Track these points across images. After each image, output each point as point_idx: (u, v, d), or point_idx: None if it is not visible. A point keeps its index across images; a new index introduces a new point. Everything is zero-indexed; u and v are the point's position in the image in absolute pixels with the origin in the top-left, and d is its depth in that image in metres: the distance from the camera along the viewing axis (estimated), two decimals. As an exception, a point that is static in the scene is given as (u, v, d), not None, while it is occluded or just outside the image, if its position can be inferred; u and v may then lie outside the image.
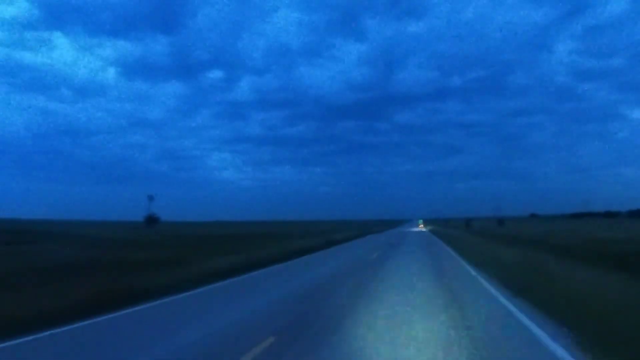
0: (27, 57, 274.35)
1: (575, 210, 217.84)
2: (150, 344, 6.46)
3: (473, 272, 15.56)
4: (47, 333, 7.01)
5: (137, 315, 8.75)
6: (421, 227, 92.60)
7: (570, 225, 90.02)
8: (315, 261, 21.41)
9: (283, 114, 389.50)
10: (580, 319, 7.20)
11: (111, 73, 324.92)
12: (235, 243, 32.58)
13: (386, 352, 5.85)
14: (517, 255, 19.09)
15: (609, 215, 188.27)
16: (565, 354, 5.75)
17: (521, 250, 22.78)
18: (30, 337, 6.73)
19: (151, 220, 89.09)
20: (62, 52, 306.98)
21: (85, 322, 7.87)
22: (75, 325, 7.62)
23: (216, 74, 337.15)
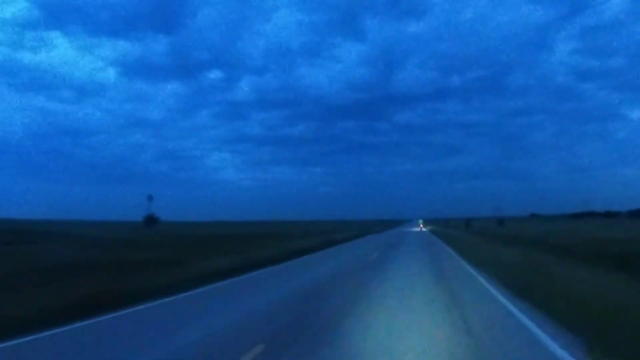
0: (27, 57, 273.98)
1: (575, 210, 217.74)
2: (128, 355, 6.07)
3: (473, 273, 15.51)
4: (41, 335, 6.92)
5: (126, 318, 8.57)
6: (421, 227, 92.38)
7: (570, 225, 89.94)
8: (315, 262, 21.35)
9: (283, 114, 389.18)
10: (580, 319, 7.17)
11: (111, 73, 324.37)
12: (235, 243, 32.47)
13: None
14: (517, 256, 19.09)
15: (609, 215, 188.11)
16: (565, 355, 5.72)
17: (521, 250, 22.76)
18: (21, 340, 6.63)
19: (150, 220, 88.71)
20: (61, 52, 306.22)
21: (75, 325, 7.66)
22: (66, 327, 7.48)
23: (216, 74, 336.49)
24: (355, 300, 9.93)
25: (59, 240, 38.12)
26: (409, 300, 10.05)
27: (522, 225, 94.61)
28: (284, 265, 19.15)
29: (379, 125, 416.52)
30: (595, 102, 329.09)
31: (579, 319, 7.19)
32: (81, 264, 16.84)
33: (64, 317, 7.82)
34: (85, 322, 7.86)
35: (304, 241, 34.92)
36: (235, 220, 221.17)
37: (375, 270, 16.17)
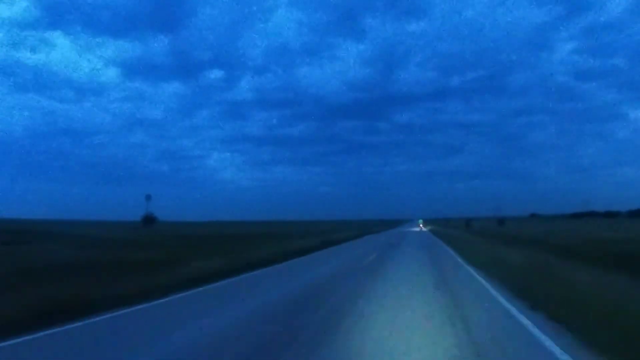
0: (27, 57, 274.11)
1: (575, 210, 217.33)
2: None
3: (477, 276, 14.71)
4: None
5: (65, 335, 7.24)
6: (421, 227, 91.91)
7: (571, 225, 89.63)
8: (310, 263, 20.53)
9: (283, 113, 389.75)
10: (602, 332, 6.42)
11: (111, 73, 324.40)
12: (231, 243, 31.75)
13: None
14: (521, 257, 18.46)
15: (609, 215, 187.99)
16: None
17: (524, 251, 22.14)
18: None
19: (148, 220, 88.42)
20: (62, 52, 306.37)
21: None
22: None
23: (216, 74, 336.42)
24: (346, 313, 8.96)
25: (57, 240, 37.80)
26: (407, 316, 9.10)
27: (523, 225, 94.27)
28: (277, 267, 18.33)
29: (379, 125, 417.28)
30: (596, 102, 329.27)
31: (601, 333, 6.40)
32: (70, 265, 16.34)
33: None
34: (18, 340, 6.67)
35: (302, 241, 34.14)
36: (235, 220, 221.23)
37: (372, 274, 15.29)
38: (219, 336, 7.12)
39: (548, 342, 6.48)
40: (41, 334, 7.08)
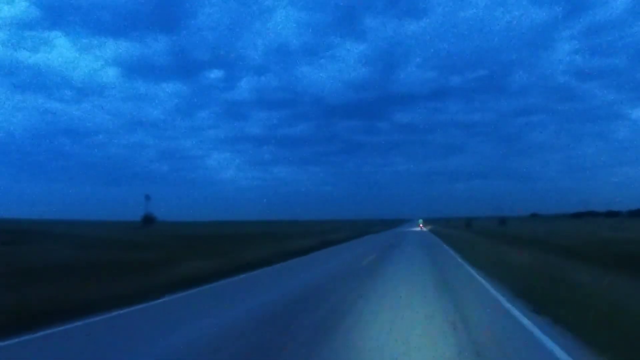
0: (27, 56, 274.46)
1: (576, 209, 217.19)
2: None
3: (479, 278, 14.17)
4: None
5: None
6: (421, 227, 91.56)
7: (573, 225, 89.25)
8: (305, 265, 19.99)
9: (283, 113, 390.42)
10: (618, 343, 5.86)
11: (111, 73, 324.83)
12: (228, 243, 31.18)
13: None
14: (524, 258, 18.09)
15: (610, 215, 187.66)
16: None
17: (527, 251, 21.81)
18: None
19: (148, 220, 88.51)
20: (62, 51, 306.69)
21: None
22: None
23: (216, 74, 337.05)
24: (345, 313, 8.48)
25: (56, 240, 37.35)
26: (404, 325, 8.58)
27: (524, 225, 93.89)
28: (270, 268, 17.75)
29: (379, 124, 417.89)
30: (596, 101, 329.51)
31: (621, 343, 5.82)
32: (66, 265, 15.96)
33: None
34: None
35: (302, 241, 33.66)
36: (235, 220, 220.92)
37: (369, 277, 14.75)
38: (207, 342, 6.58)
39: (557, 351, 5.99)
40: (23, 338, 6.71)
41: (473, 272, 16.01)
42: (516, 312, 8.69)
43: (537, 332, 7.09)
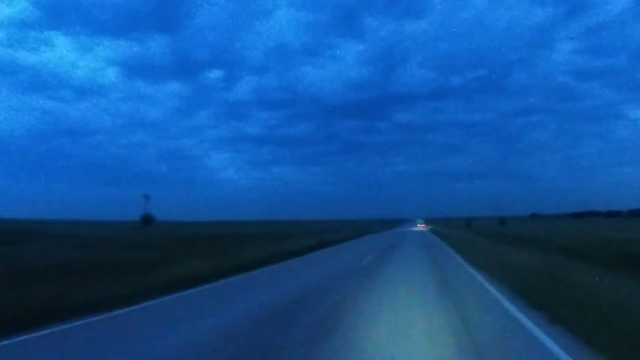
0: (27, 57, 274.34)
1: (576, 209, 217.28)
2: None
3: (482, 281, 14.08)
4: None
5: None
6: (421, 227, 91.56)
7: (574, 224, 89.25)
8: (303, 265, 19.92)
9: (283, 113, 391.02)
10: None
11: (111, 73, 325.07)
12: (225, 244, 31.04)
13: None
14: (527, 258, 17.98)
15: (610, 214, 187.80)
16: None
17: (529, 251, 21.70)
18: None
19: (147, 220, 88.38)
20: (62, 52, 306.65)
21: None
22: None
23: (216, 74, 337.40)
24: (344, 314, 8.45)
25: (55, 240, 37.32)
26: (405, 311, 8.59)
27: (524, 225, 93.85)
28: (270, 268, 17.69)
29: (379, 124, 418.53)
30: (596, 101, 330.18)
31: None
32: (62, 265, 15.84)
33: None
34: None
35: (300, 241, 33.47)
36: (235, 220, 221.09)
37: (369, 277, 14.67)
38: (207, 342, 6.52)
39: (557, 350, 5.96)
40: (22, 338, 6.65)
41: (473, 272, 15.96)
42: (516, 312, 8.68)
43: (536, 331, 7.08)
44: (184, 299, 10.83)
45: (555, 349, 6.10)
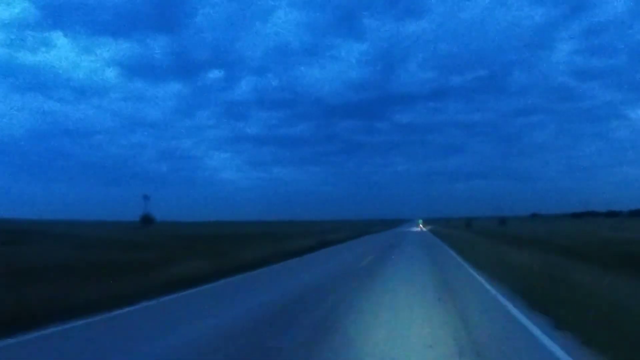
0: (27, 57, 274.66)
1: (576, 209, 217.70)
2: None
3: (482, 281, 14.00)
4: None
5: None
6: (421, 227, 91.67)
7: (574, 225, 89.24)
8: (303, 265, 19.95)
9: (283, 113, 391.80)
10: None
11: (111, 73, 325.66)
12: (226, 243, 30.93)
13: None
14: (529, 259, 17.95)
15: (610, 214, 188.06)
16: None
17: (529, 252, 21.70)
18: None
19: (146, 220, 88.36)
20: (62, 52, 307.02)
21: None
22: None
23: (216, 74, 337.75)
24: (336, 322, 8.32)
25: (55, 240, 37.29)
26: (403, 320, 8.55)
27: (524, 225, 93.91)
28: (269, 268, 17.71)
29: (379, 124, 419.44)
30: (596, 101, 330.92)
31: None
32: (60, 266, 15.57)
33: None
34: None
35: (300, 241, 33.43)
36: (235, 220, 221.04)
37: (368, 277, 14.65)
38: (207, 342, 6.52)
39: (557, 350, 5.98)
40: (23, 338, 6.58)
41: (473, 272, 15.96)
42: (516, 312, 8.72)
43: (537, 331, 7.08)
44: (183, 299, 10.79)
45: (555, 348, 6.11)
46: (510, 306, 9.51)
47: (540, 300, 9.51)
